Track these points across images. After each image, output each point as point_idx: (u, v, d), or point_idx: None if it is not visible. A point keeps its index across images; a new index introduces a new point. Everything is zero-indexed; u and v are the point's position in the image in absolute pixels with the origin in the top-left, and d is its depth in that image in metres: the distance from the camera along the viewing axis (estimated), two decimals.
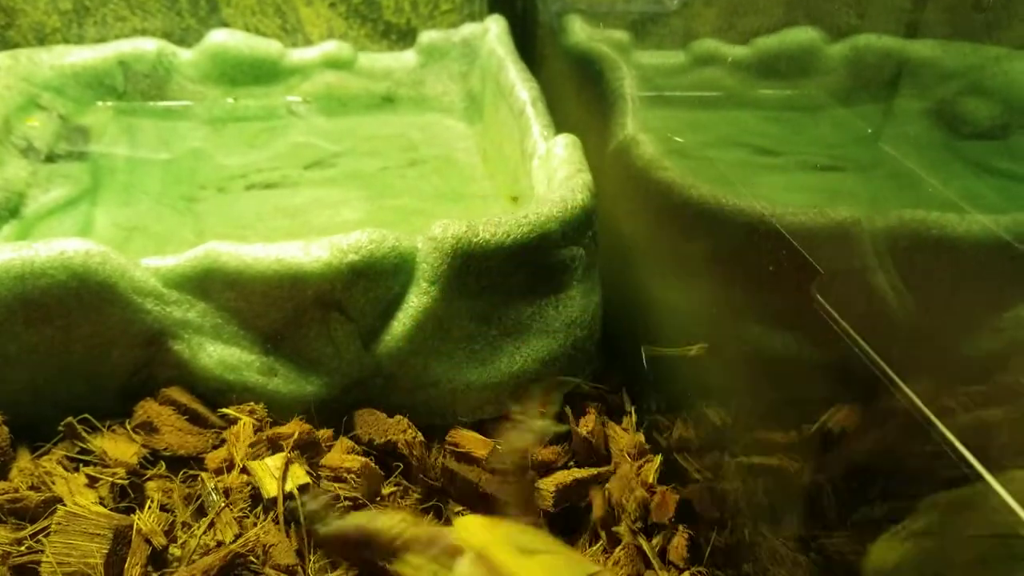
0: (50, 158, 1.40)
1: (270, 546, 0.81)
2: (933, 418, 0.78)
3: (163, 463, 0.92)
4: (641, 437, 1.11)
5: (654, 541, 0.99)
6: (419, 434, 1.02)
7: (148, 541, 0.80)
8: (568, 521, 1.00)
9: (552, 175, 1.19)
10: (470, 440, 1.05)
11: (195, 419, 0.97)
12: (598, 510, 1.00)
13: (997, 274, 1.03)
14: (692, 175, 1.09)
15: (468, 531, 0.77)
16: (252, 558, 0.78)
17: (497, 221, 1.03)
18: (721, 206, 1.03)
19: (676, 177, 1.09)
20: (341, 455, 0.97)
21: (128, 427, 0.95)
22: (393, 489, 0.96)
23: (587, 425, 1.09)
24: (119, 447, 0.92)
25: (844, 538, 0.86)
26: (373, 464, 0.95)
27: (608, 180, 1.24)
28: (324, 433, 1.00)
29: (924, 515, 0.77)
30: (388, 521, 0.79)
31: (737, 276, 1.05)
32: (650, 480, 1.04)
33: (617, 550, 0.97)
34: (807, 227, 0.98)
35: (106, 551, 0.77)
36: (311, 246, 0.98)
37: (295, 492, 0.88)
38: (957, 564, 0.74)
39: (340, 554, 0.83)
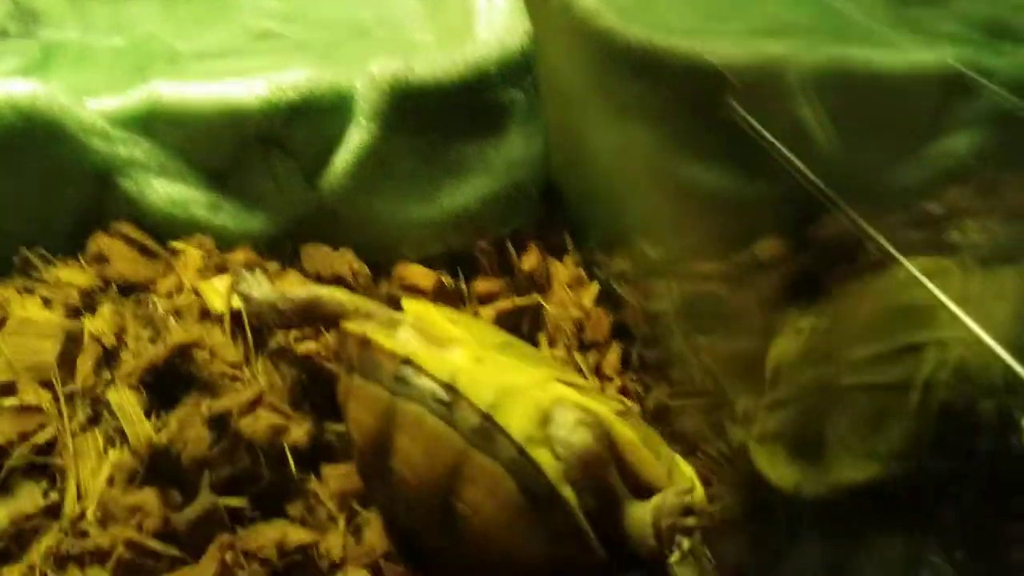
0: (1, 36, 1.42)
1: (217, 346, 0.86)
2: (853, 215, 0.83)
3: (115, 288, 0.96)
4: (580, 271, 1.16)
5: (590, 358, 1.05)
6: (364, 267, 1.07)
7: (99, 341, 0.84)
8: None
9: (492, 23, 1.22)
10: (416, 274, 1.10)
11: (145, 251, 1.01)
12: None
13: (923, 108, 1.07)
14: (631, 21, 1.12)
15: (412, 305, 0.81)
16: (198, 355, 0.82)
17: (434, 59, 1.06)
18: (657, 47, 1.06)
19: (615, 23, 1.12)
20: (288, 284, 1.01)
21: (81, 260, 0.99)
22: None
23: (529, 262, 1.14)
24: (72, 275, 0.96)
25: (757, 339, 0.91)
26: None
27: (552, 31, 1.27)
28: (272, 266, 1.04)
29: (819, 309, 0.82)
30: (331, 291, 0.83)
31: (673, 116, 1.09)
32: (586, 304, 1.09)
33: None
34: (740, 63, 1.01)
35: (58, 349, 0.81)
36: (251, 83, 1.01)
37: (241, 309, 0.92)
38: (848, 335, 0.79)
39: (283, 324, 0.87)
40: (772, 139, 0.93)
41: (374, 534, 0.78)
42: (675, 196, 1.09)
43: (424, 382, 0.69)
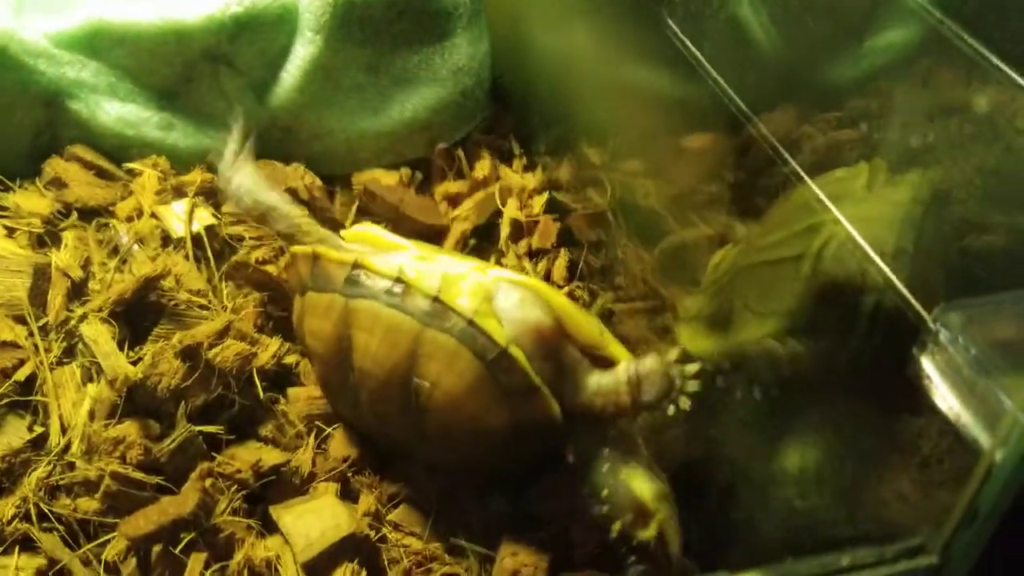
0: None
1: (181, 274, 0.89)
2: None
3: (75, 214, 0.98)
4: (530, 177, 1.19)
5: (539, 265, 1.10)
6: (317, 179, 1.09)
7: (67, 275, 0.87)
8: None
9: None
10: (377, 175, 1.13)
11: (102, 174, 1.03)
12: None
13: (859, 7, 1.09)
14: None
15: (354, 233, 0.85)
16: (164, 284, 0.86)
17: None
18: None
19: None
20: None
21: (39, 184, 1.01)
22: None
23: (482, 170, 1.17)
24: (32, 201, 0.98)
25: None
26: None
27: None
28: None
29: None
30: (291, 208, 0.86)
31: (615, 18, 1.10)
32: (535, 210, 1.13)
33: None
34: None
35: (29, 284, 0.84)
36: (194, 0, 1.01)
37: (202, 233, 0.95)
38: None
39: (241, 211, 0.91)
40: (697, 54, 0.95)
41: (339, 447, 0.84)
42: (617, 99, 1.11)
43: (374, 280, 0.74)
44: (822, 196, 0.68)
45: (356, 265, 0.75)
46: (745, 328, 0.76)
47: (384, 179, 1.12)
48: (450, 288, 0.73)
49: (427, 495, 0.82)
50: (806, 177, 0.75)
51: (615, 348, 0.77)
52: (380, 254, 0.78)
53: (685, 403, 0.72)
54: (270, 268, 0.95)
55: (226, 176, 0.90)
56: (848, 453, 0.64)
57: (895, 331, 0.56)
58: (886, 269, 0.59)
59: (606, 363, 0.75)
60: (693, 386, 0.72)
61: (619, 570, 0.73)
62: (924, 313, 0.56)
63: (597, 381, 0.74)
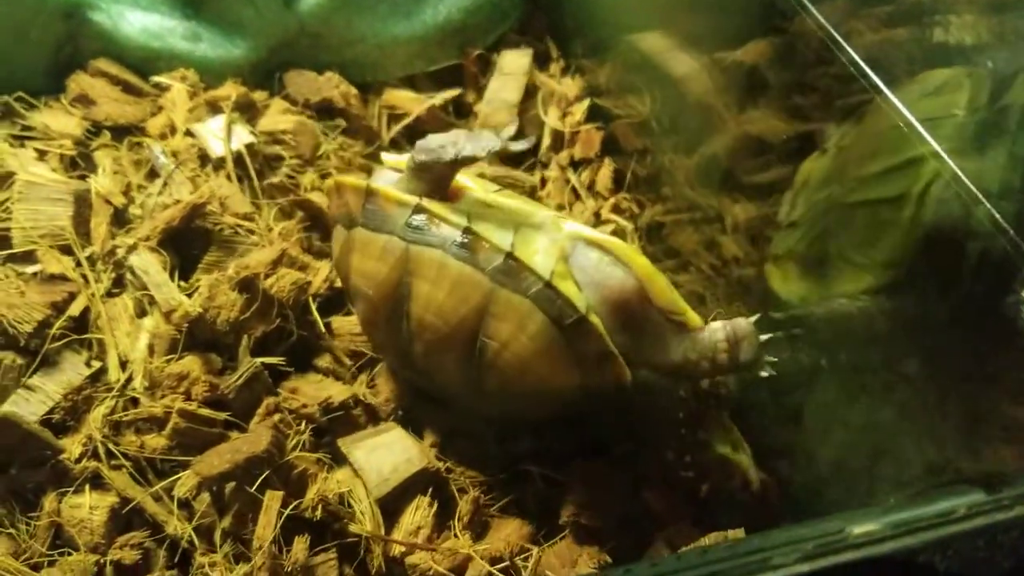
0: None
1: (226, 197, 0.86)
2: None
3: (107, 133, 0.94)
4: (569, 83, 1.15)
5: (582, 175, 1.07)
6: (353, 88, 1.05)
7: (108, 202, 0.84)
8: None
9: None
10: (405, 100, 1.09)
11: (129, 89, 0.98)
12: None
13: None
14: None
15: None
16: (210, 208, 0.83)
17: None
18: None
19: None
20: (276, 116, 1.00)
21: (64, 102, 0.96)
22: (335, 146, 1.00)
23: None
24: (60, 121, 0.94)
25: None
26: (308, 120, 0.99)
27: None
28: (259, 95, 1.02)
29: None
30: None
31: None
32: (577, 120, 1.10)
33: (548, 185, 1.05)
34: None
35: (71, 213, 0.82)
36: None
37: (243, 151, 0.92)
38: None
39: None
40: None
41: (388, 381, 0.83)
42: None
43: (440, 227, 0.68)
44: (917, 126, 0.64)
45: (419, 208, 0.69)
46: (841, 279, 0.73)
47: (410, 107, 1.08)
48: (524, 244, 0.68)
49: (483, 427, 0.81)
50: (889, 94, 0.71)
51: (691, 314, 0.73)
52: (439, 193, 0.73)
53: (769, 368, 0.71)
54: (313, 196, 0.92)
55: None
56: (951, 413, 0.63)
57: (1006, 288, 0.54)
58: (999, 218, 0.57)
59: (682, 327, 0.71)
60: (771, 359, 0.71)
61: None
62: None
63: (691, 340, 0.70)
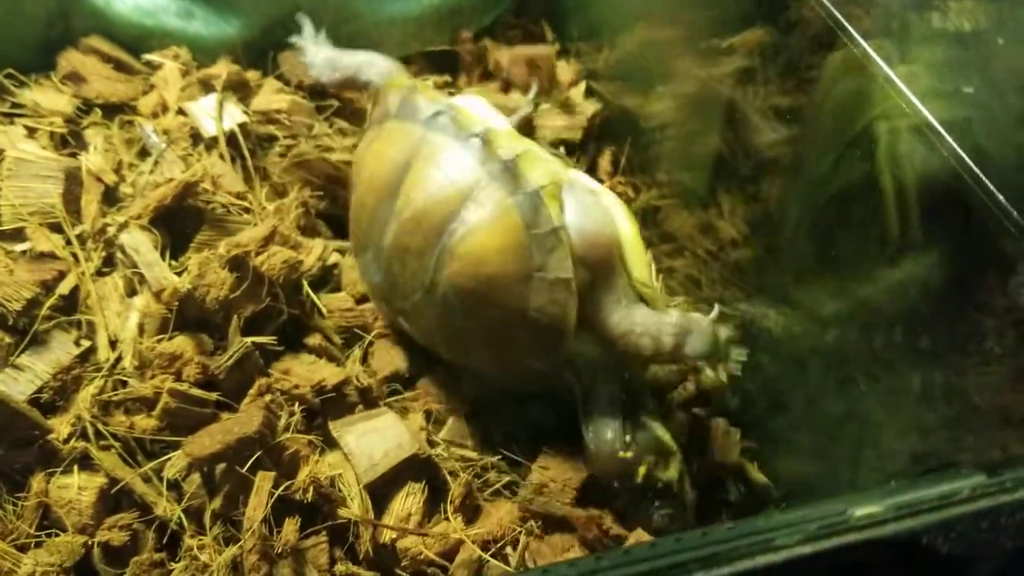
0: None
1: (219, 176, 0.85)
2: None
3: (98, 111, 0.93)
4: (565, 66, 1.14)
5: (579, 160, 1.06)
6: None
7: (99, 180, 0.83)
8: None
9: None
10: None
11: (120, 67, 0.97)
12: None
13: None
14: None
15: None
16: (203, 187, 0.82)
17: None
18: None
19: None
20: (269, 96, 0.98)
21: (55, 79, 0.95)
22: (327, 130, 0.99)
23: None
24: (50, 98, 0.92)
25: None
26: (302, 100, 0.98)
27: None
28: (252, 75, 1.01)
29: None
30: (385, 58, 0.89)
31: None
32: (575, 100, 1.08)
33: None
34: None
35: (61, 191, 0.80)
36: None
37: (236, 130, 0.90)
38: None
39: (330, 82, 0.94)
40: None
41: (383, 360, 0.82)
42: None
43: (459, 125, 0.73)
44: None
45: (449, 107, 0.75)
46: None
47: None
48: (529, 161, 0.72)
49: (475, 408, 0.82)
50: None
51: (657, 292, 0.74)
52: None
53: (729, 371, 0.72)
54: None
55: (311, 53, 0.93)
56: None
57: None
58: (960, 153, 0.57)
59: (640, 299, 0.73)
60: (737, 359, 0.72)
61: (643, 517, 0.73)
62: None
63: (643, 314, 0.71)
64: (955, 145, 0.60)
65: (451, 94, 1.08)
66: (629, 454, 0.72)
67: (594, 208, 0.73)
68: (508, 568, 0.70)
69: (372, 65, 0.88)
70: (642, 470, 0.72)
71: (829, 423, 0.74)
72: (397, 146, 0.75)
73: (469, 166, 0.71)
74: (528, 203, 0.69)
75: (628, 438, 0.73)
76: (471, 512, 0.75)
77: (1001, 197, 0.58)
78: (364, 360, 0.82)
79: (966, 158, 0.60)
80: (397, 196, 0.74)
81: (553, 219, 0.70)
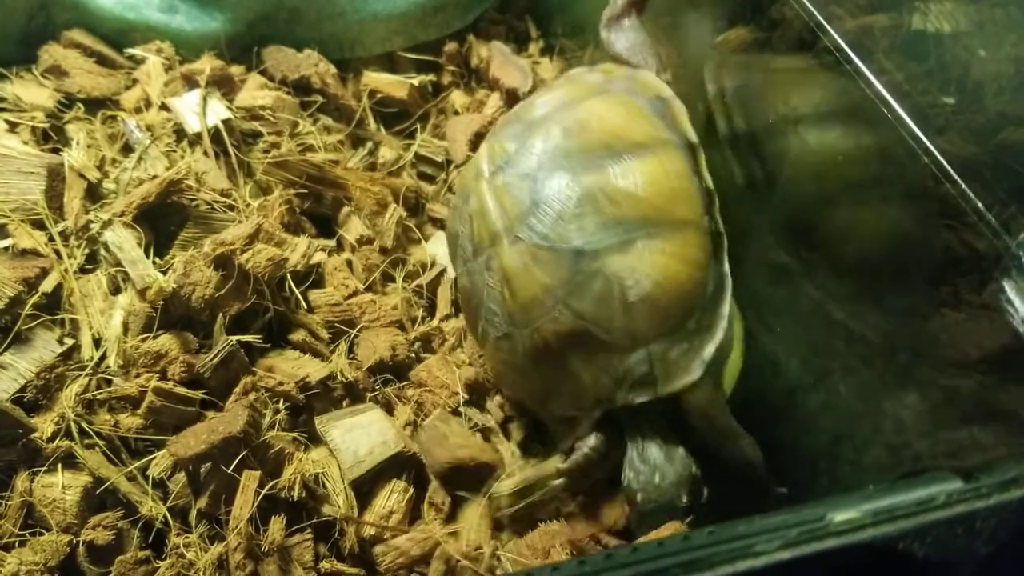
0: None
1: (203, 173, 0.85)
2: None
3: (80, 106, 0.93)
4: (547, 64, 1.14)
5: None
6: (332, 67, 1.04)
7: (82, 176, 0.83)
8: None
9: None
10: (386, 84, 1.07)
11: (103, 61, 0.97)
12: None
13: None
14: None
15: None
16: (187, 184, 0.82)
17: None
18: None
19: None
20: (254, 92, 0.98)
21: (36, 72, 0.94)
22: (311, 128, 0.99)
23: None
24: (31, 92, 0.92)
25: None
26: (286, 96, 0.98)
27: None
28: (236, 70, 1.01)
29: None
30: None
31: None
32: None
33: None
34: None
35: (44, 187, 0.80)
36: None
37: (220, 127, 0.90)
38: None
39: None
40: None
41: (368, 353, 0.82)
42: None
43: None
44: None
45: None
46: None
47: (394, 91, 1.07)
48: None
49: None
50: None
51: None
52: None
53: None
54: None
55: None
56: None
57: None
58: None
59: None
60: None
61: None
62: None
63: None
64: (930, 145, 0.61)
65: (436, 93, 1.08)
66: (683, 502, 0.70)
67: None
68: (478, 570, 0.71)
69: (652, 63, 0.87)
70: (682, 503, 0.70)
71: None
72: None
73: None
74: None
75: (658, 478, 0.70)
76: (452, 511, 0.76)
77: (979, 203, 0.59)
78: (350, 352, 0.82)
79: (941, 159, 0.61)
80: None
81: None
